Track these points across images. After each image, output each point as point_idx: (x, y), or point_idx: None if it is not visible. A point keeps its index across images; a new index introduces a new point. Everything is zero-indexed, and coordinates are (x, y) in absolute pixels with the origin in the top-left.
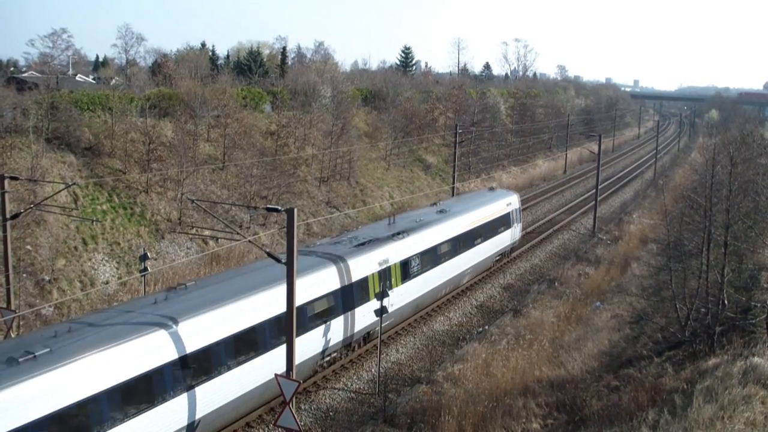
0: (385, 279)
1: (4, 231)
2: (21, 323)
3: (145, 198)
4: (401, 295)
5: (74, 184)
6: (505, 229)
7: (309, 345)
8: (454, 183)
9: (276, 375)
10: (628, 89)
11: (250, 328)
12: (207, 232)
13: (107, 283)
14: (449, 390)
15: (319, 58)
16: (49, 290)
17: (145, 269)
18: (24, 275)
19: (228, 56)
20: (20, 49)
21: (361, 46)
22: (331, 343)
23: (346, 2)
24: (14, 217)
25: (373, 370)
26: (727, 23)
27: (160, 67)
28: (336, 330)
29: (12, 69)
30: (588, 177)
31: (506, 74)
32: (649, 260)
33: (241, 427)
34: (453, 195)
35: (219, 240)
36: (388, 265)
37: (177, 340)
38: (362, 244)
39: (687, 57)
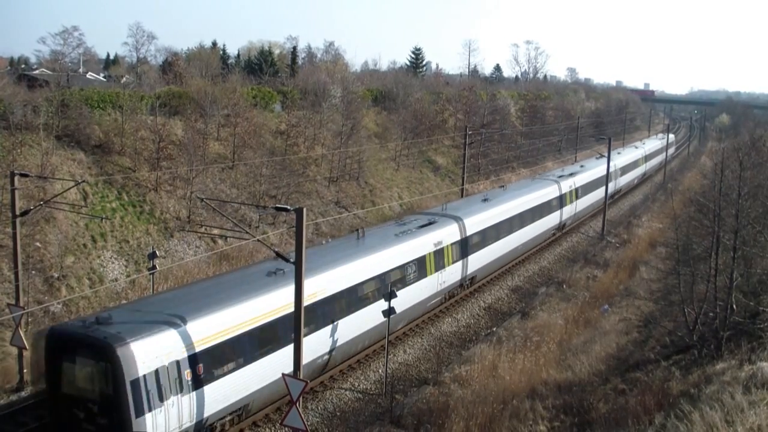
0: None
1: (14, 228)
2: (29, 320)
3: (155, 196)
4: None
5: (84, 181)
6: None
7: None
8: (463, 185)
9: (283, 374)
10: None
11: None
12: (216, 231)
13: (116, 280)
14: (456, 391)
15: (330, 58)
16: (58, 287)
17: (154, 267)
18: (33, 272)
19: (239, 55)
20: (31, 46)
21: (372, 46)
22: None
23: (356, 3)
24: (24, 213)
25: (380, 370)
26: (739, 27)
27: (170, 65)
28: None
29: (23, 66)
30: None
31: (516, 76)
32: (657, 264)
33: (248, 426)
34: (462, 194)
35: (228, 239)
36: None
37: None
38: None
39: (698, 61)
